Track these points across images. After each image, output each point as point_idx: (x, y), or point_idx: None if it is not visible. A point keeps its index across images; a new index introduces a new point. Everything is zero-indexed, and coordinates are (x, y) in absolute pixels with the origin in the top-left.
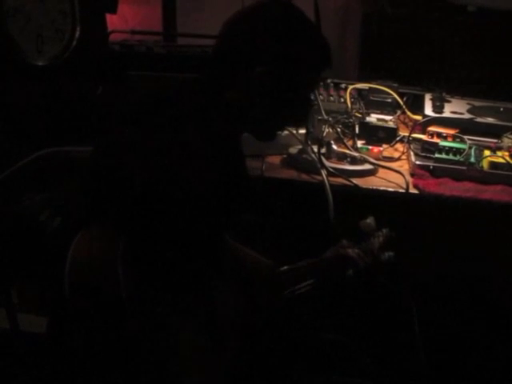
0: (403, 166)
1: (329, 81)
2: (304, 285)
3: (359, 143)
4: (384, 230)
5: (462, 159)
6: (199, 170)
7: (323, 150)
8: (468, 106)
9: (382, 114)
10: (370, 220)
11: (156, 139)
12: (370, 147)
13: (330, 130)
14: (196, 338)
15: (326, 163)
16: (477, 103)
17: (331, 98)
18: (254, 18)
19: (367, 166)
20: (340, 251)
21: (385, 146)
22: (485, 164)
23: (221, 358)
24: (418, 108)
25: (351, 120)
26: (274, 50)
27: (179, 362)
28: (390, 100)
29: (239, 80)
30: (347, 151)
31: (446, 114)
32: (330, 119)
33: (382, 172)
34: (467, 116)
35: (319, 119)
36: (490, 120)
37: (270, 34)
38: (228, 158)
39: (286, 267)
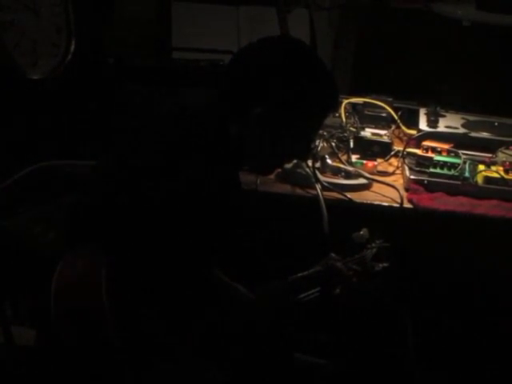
0: (398, 180)
1: None
2: (308, 293)
3: (354, 157)
4: (377, 241)
5: (456, 174)
6: (194, 199)
7: (318, 165)
8: (462, 121)
9: (376, 128)
10: (363, 232)
11: (153, 166)
12: (365, 161)
13: (325, 145)
14: (186, 355)
15: (321, 177)
16: (471, 118)
17: None
18: (262, 56)
19: (362, 181)
20: (328, 263)
21: (379, 160)
22: (479, 179)
23: (215, 374)
24: (413, 122)
25: (346, 134)
26: (278, 91)
27: (166, 373)
28: (384, 114)
29: (242, 116)
30: (342, 165)
31: (441, 128)
32: (325, 133)
33: (376, 186)
34: (462, 130)
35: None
36: (484, 135)
37: (276, 74)
38: (225, 190)
39: (272, 284)
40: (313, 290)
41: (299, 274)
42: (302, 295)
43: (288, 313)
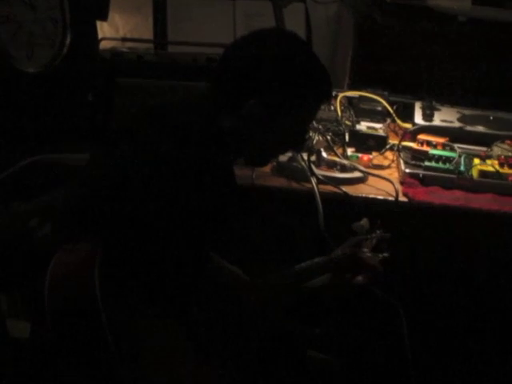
0: (393, 174)
1: None
2: (317, 280)
3: (349, 151)
4: (378, 231)
5: (451, 168)
6: (189, 191)
7: (313, 158)
8: (458, 115)
9: (372, 122)
10: (363, 222)
11: (147, 158)
12: (360, 155)
13: (320, 138)
14: (179, 346)
15: (316, 171)
16: (467, 112)
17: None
18: (255, 48)
19: (357, 174)
20: (358, 254)
21: (375, 154)
22: (474, 173)
23: (208, 367)
24: (408, 116)
25: (341, 128)
26: (272, 82)
27: (161, 370)
28: (380, 108)
29: (236, 107)
30: (337, 159)
31: (436, 122)
32: (320, 127)
33: (371, 180)
34: (457, 124)
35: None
36: (479, 129)
37: (269, 65)
38: (220, 182)
39: (297, 266)
40: (319, 278)
41: (303, 264)
42: (308, 283)
43: (299, 300)
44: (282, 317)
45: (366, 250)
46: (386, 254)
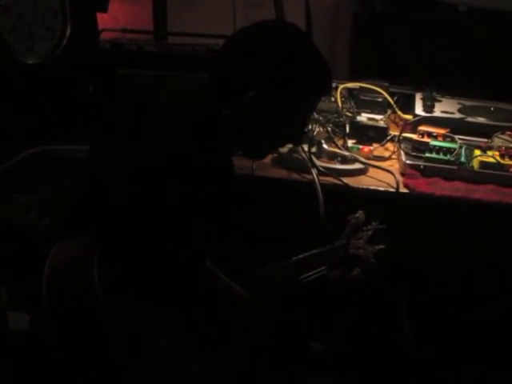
0: (394, 165)
1: None
2: (314, 272)
3: (350, 142)
4: (373, 224)
5: (452, 159)
6: (187, 183)
7: (314, 150)
8: (459, 106)
9: (372, 113)
10: (358, 214)
11: (145, 153)
12: (361, 146)
13: (321, 130)
14: (174, 344)
15: (317, 162)
16: (467, 103)
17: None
18: (256, 40)
19: (358, 166)
20: (349, 245)
21: (375, 145)
22: (475, 164)
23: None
24: (409, 107)
25: (342, 119)
26: (271, 74)
27: (156, 367)
28: (380, 99)
29: (236, 100)
30: (338, 150)
31: (437, 113)
32: (321, 118)
33: (372, 171)
34: (458, 116)
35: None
36: (480, 120)
37: (269, 57)
38: (219, 175)
39: (300, 256)
40: (316, 270)
41: (300, 256)
42: (305, 275)
43: (293, 292)
44: (280, 319)
45: (361, 241)
46: (381, 246)
